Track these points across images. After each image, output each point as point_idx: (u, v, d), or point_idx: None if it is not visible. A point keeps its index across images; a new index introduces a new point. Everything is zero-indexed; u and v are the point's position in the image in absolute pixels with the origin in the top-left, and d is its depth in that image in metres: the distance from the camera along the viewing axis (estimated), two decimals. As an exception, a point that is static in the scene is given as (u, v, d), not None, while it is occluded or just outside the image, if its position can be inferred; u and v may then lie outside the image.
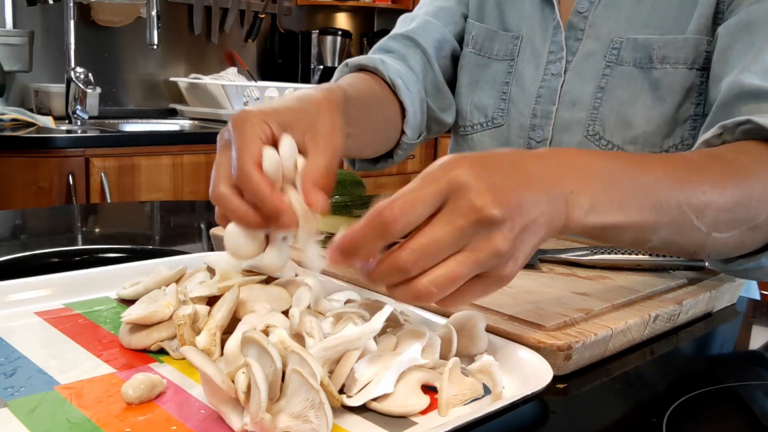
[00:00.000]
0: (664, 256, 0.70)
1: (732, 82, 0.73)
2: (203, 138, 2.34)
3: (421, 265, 0.45)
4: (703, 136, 0.68)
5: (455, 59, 1.02)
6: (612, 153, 0.56)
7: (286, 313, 0.54)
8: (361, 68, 0.91)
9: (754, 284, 0.93)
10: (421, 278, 0.45)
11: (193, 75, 2.91)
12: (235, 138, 0.53)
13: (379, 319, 0.49)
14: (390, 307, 0.51)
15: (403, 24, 1.02)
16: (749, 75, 0.72)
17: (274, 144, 0.54)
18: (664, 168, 0.57)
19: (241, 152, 0.52)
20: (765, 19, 0.75)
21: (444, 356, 0.51)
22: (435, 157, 3.02)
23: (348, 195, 0.86)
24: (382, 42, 0.99)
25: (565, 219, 0.50)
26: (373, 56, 0.92)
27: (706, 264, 0.70)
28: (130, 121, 2.67)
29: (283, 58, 3.25)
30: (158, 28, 2.31)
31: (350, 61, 0.92)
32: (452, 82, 1.03)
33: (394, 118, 0.90)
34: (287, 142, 0.54)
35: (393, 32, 1.00)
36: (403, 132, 0.91)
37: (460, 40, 1.02)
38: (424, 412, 0.46)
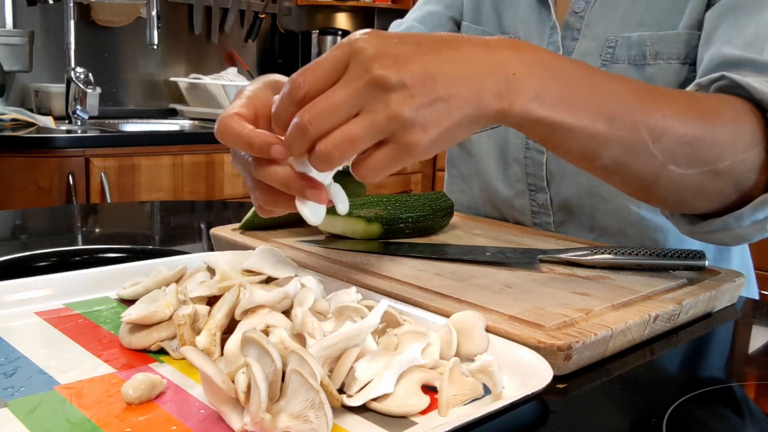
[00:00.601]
0: (664, 256, 0.70)
1: (713, 54, 0.73)
2: (203, 138, 2.35)
3: (318, 123, 0.46)
4: None
5: None
6: (576, 61, 0.54)
7: (285, 313, 0.54)
8: None
9: (754, 284, 0.93)
10: (321, 141, 0.46)
11: (193, 75, 2.91)
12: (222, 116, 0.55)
13: (375, 314, 0.49)
14: (386, 301, 0.51)
15: (391, 30, 1.04)
16: (730, 47, 0.72)
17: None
18: (626, 84, 0.55)
19: (225, 110, 0.55)
20: (749, 0, 0.75)
21: (444, 356, 0.51)
22: (434, 158, 3.02)
23: (348, 195, 0.86)
24: None
25: (503, 102, 0.49)
26: None
27: (706, 264, 0.70)
28: (130, 121, 2.67)
29: (283, 58, 3.25)
30: (158, 28, 2.31)
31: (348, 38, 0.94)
32: None
33: None
34: None
35: None
36: None
37: None
38: (424, 412, 0.46)
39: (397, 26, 1.05)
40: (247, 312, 0.53)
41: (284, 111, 0.49)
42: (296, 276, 0.60)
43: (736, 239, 0.64)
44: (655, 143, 0.55)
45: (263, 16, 3.12)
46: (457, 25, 1.04)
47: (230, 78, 2.93)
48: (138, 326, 0.54)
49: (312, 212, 0.54)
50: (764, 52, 0.70)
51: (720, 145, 0.58)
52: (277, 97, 0.51)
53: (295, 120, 0.47)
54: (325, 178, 0.53)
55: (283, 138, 0.50)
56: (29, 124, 2.27)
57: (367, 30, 0.48)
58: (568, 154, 0.55)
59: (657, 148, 0.55)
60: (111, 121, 2.60)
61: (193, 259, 0.71)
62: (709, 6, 0.81)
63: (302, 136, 0.47)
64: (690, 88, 0.67)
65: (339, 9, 3.45)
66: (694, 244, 0.79)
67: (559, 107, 0.51)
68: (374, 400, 0.46)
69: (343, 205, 0.55)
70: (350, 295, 0.55)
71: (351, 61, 0.47)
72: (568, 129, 0.52)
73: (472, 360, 0.49)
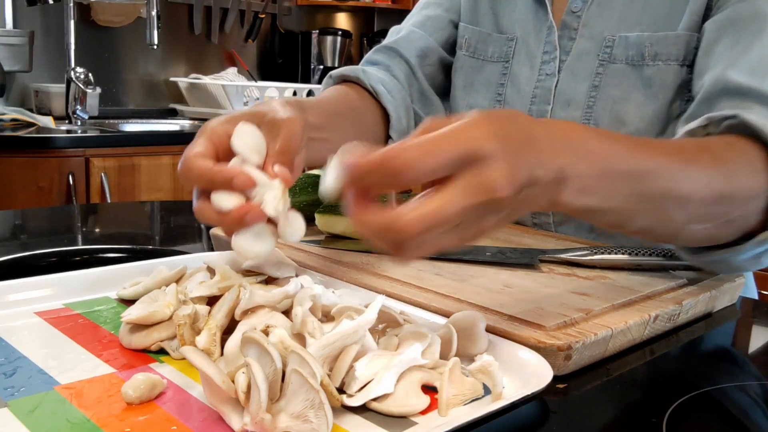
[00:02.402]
0: (664, 256, 0.70)
1: (716, 77, 0.74)
2: (203, 138, 2.34)
3: (421, 236, 0.43)
4: (688, 126, 0.69)
5: (444, 66, 1.04)
6: (613, 134, 0.56)
7: (285, 313, 0.54)
8: (344, 79, 0.95)
9: (753, 284, 0.93)
10: (412, 249, 0.44)
11: (193, 75, 2.91)
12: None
13: (372, 310, 0.49)
14: (382, 297, 0.51)
15: (391, 36, 1.05)
16: (734, 72, 0.72)
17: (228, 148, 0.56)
18: (659, 156, 0.57)
19: (186, 152, 0.55)
20: (752, 16, 0.75)
21: (444, 356, 0.51)
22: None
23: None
24: (368, 55, 1.03)
25: (553, 201, 0.50)
26: (355, 67, 0.95)
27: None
28: (130, 121, 2.67)
29: (283, 58, 3.25)
30: (158, 28, 2.31)
31: (333, 72, 0.96)
32: (441, 88, 1.05)
33: (377, 124, 0.92)
34: (243, 127, 0.56)
35: (379, 45, 1.03)
36: (389, 137, 0.93)
37: (449, 47, 1.04)
38: (424, 412, 0.46)
39: (396, 32, 1.05)
40: (247, 312, 0.53)
41: (373, 182, 0.45)
42: (296, 276, 0.60)
43: (733, 269, 0.68)
44: (680, 210, 0.58)
45: (263, 16, 3.12)
46: (456, 27, 1.04)
47: (230, 78, 2.93)
48: (138, 326, 0.54)
49: (252, 242, 0.54)
50: (766, 80, 0.71)
51: (737, 199, 0.61)
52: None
53: (399, 220, 0.43)
54: (275, 208, 0.53)
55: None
56: (29, 124, 2.27)
57: (480, 120, 0.45)
58: (598, 224, 0.59)
59: (681, 214, 0.58)
60: (111, 121, 2.60)
61: (193, 259, 0.71)
62: (708, 12, 0.81)
63: (397, 237, 0.44)
64: (700, 121, 0.68)
65: (339, 9, 3.45)
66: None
67: (597, 196, 0.52)
68: (374, 400, 0.46)
69: (292, 235, 0.55)
70: (357, 298, 0.55)
71: (468, 165, 0.44)
72: (604, 211, 0.54)
73: (472, 360, 0.49)
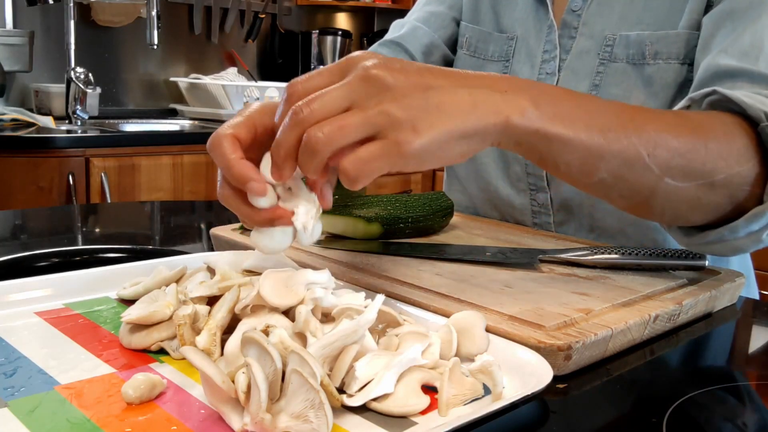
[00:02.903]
0: (664, 256, 0.70)
1: (708, 63, 0.74)
2: (203, 138, 2.33)
3: (310, 110, 0.47)
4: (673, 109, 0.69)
5: (447, 64, 1.04)
6: (560, 87, 0.57)
7: (285, 313, 0.54)
8: None
9: (754, 284, 0.93)
10: (312, 129, 0.47)
11: (193, 75, 2.91)
12: (212, 139, 0.55)
13: (372, 310, 0.49)
14: (382, 296, 0.51)
15: (394, 30, 1.04)
16: (725, 56, 0.72)
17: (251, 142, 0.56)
18: (614, 103, 0.57)
19: (223, 126, 0.55)
20: (747, 6, 0.75)
21: (444, 356, 0.51)
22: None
23: (348, 195, 0.86)
24: (373, 48, 1.04)
25: (499, 116, 0.50)
26: None
27: (707, 264, 0.70)
28: (130, 121, 2.67)
29: (284, 58, 3.25)
30: (158, 28, 2.31)
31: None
32: None
33: None
34: None
35: (383, 39, 1.03)
36: None
37: (452, 44, 1.04)
38: (424, 412, 0.46)
39: (399, 26, 1.05)
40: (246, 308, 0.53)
41: (282, 114, 0.50)
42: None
43: (732, 250, 0.65)
44: (650, 156, 0.56)
45: (263, 16, 3.12)
46: (458, 25, 1.04)
47: (230, 78, 2.93)
48: (138, 326, 0.54)
49: (270, 239, 0.54)
50: (759, 61, 0.70)
51: (713, 158, 0.59)
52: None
53: (291, 110, 0.48)
54: (303, 223, 0.53)
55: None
56: (29, 124, 2.27)
57: (365, 51, 0.50)
58: (567, 168, 0.55)
59: (652, 160, 0.56)
60: (111, 121, 2.60)
61: (193, 259, 0.71)
62: (707, 8, 0.81)
63: (293, 125, 0.48)
64: (683, 102, 0.67)
65: (339, 9, 3.45)
66: (694, 244, 0.79)
67: (554, 120, 0.52)
68: (374, 400, 0.46)
69: (308, 240, 0.55)
70: (358, 299, 0.55)
71: (348, 69, 0.49)
72: (566, 141, 0.53)
73: (472, 360, 0.49)
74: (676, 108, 0.68)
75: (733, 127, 0.61)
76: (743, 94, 0.63)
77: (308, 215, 0.53)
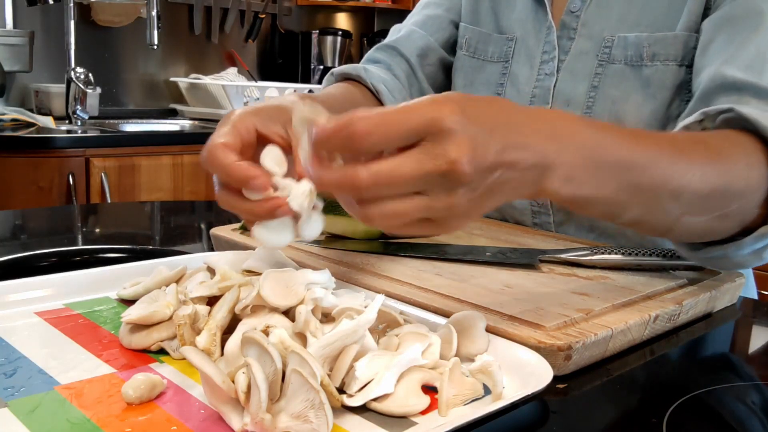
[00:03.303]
0: (664, 256, 0.70)
1: (713, 73, 0.74)
2: (203, 138, 2.30)
3: (375, 191, 0.44)
4: (684, 122, 0.69)
5: (444, 66, 1.04)
6: (607, 125, 0.55)
7: (285, 313, 0.54)
8: (345, 77, 0.95)
9: (753, 284, 0.93)
10: (372, 206, 0.45)
11: (194, 75, 2.91)
12: (209, 144, 0.55)
13: (372, 310, 0.49)
14: (381, 296, 0.51)
15: (392, 34, 1.06)
16: (731, 67, 0.72)
17: (256, 138, 0.57)
18: (651, 148, 0.57)
19: (212, 139, 0.55)
20: (748, 13, 0.75)
21: (444, 356, 0.51)
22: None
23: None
24: (370, 53, 1.03)
25: (537, 188, 0.50)
26: (356, 65, 0.96)
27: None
28: (130, 121, 2.67)
29: (284, 58, 3.25)
30: (158, 28, 2.31)
31: (335, 70, 0.97)
32: (441, 88, 1.06)
33: None
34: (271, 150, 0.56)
35: (380, 43, 1.04)
36: None
37: (449, 46, 1.04)
38: (424, 412, 0.46)
39: (397, 31, 1.05)
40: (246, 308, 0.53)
41: (332, 146, 0.45)
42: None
43: (734, 265, 0.66)
44: (674, 202, 0.57)
45: (263, 16, 3.12)
46: (457, 27, 1.04)
47: (230, 78, 2.93)
48: (138, 326, 0.54)
49: (273, 233, 0.54)
50: (763, 75, 0.71)
51: (732, 192, 0.60)
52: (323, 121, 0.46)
53: (353, 174, 0.44)
54: (300, 204, 0.53)
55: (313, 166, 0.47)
56: (29, 124, 2.27)
57: (448, 95, 0.45)
58: (590, 215, 0.58)
59: (675, 205, 0.57)
60: (111, 121, 2.60)
61: (193, 259, 0.71)
62: (706, 12, 0.81)
63: (351, 191, 0.45)
64: (696, 116, 0.67)
65: (339, 9, 3.45)
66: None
67: (585, 186, 0.52)
68: (374, 400, 0.46)
69: (310, 233, 0.55)
70: (358, 299, 0.55)
71: (429, 136, 0.44)
72: (594, 201, 0.53)
73: (473, 360, 0.49)
74: (689, 121, 0.68)
75: (752, 155, 0.62)
76: (759, 115, 0.63)
77: (302, 195, 0.53)
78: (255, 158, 0.55)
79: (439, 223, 0.47)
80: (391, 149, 0.45)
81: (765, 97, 0.69)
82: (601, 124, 0.55)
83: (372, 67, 0.96)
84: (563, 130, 0.51)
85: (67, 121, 2.44)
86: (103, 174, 2.09)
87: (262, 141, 0.57)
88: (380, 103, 0.93)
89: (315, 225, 0.55)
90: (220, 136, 0.55)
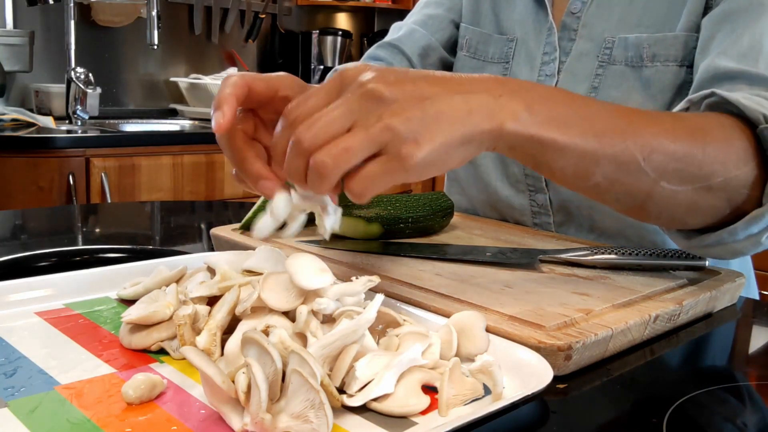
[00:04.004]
0: (664, 256, 0.70)
1: (707, 66, 0.74)
2: (203, 138, 2.35)
3: (312, 137, 0.47)
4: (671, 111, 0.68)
5: (445, 66, 1.04)
6: (558, 87, 0.57)
7: (285, 313, 0.54)
8: None
9: (754, 284, 0.93)
10: (316, 153, 0.47)
11: (194, 75, 2.91)
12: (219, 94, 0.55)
13: (371, 309, 0.49)
14: (381, 296, 0.51)
15: (392, 33, 1.05)
16: (725, 58, 0.72)
17: (254, 96, 0.57)
18: (610, 106, 0.57)
19: (217, 121, 0.55)
20: (746, 7, 0.75)
21: (444, 356, 0.51)
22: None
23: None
24: (371, 51, 1.04)
25: (493, 122, 0.50)
26: (357, 63, 0.95)
27: (707, 264, 0.70)
28: (130, 121, 2.67)
29: (284, 58, 3.25)
30: (158, 28, 2.31)
31: (338, 67, 0.95)
32: None
33: None
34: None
35: (381, 41, 1.04)
36: None
37: (450, 46, 1.04)
38: (424, 412, 0.46)
39: (397, 29, 1.05)
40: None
41: (280, 138, 0.49)
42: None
43: (731, 253, 0.65)
44: (646, 160, 0.56)
45: (263, 16, 3.12)
46: (457, 27, 1.04)
47: (230, 78, 2.92)
48: (138, 326, 0.54)
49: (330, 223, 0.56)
50: (759, 63, 0.70)
51: (711, 161, 0.58)
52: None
53: (292, 138, 0.48)
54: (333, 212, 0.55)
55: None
56: (29, 124, 2.27)
57: (357, 63, 0.50)
58: (562, 173, 0.55)
59: (648, 165, 0.56)
60: (111, 121, 2.60)
61: (194, 259, 0.71)
62: (706, 10, 0.81)
63: (298, 153, 0.48)
64: (682, 104, 0.67)
65: (339, 9, 3.45)
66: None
67: (549, 125, 0.52)
68: (374, 400, 0.46)
69: (329, 226, 0.55)
70: (358, 286, 0.54)
71: (344, 86, 0.48)
72: (561, 147, 0.52)
73: (473, 360, 0.49)
74: (674, 110, 0.67)
75: (731, 130, 0.61)
76: (742, 96, 0.63)
77: (335, 213, 0.55)
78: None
79: (392, 153, 0.47)
80: None
81: (759, 84, 0.68)
82: (554, 87, 0.56)
83: (372, 63, 0.96)
84: (510, 80, 0.53)
85: (67, 121, 2.44)
86: (103, 174, 2.09)
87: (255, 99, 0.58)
88: None
89: (331, 220, 0.56)
90: (225, 113, 0.54)
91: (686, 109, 0.67)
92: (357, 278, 0.54)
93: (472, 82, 0.51)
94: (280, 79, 0.57)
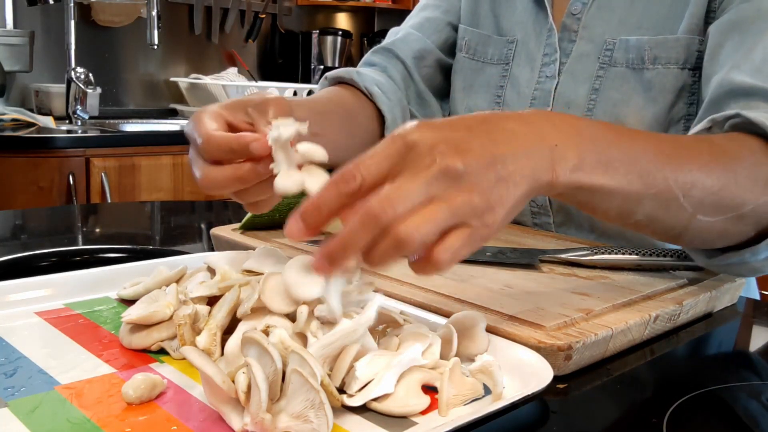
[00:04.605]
0: (664, 256, 0.70)
1: (722, 80, 0.73)
2: (203, 138, 2.34)
3: (391, 210, 0.44)
4: (693, 130, 0.68)
5: (442, 68, 1.04)
6: (598, 120, 0.56)
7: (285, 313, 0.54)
8: (338, 80, 0.95)
9: (754, 284, 0.93)
10: (399, 225, 0.44)
11: (194, 75, 2.91)
12: (193, 125, 0.57)
13: (371, 309, 0.49)
14: (381, 296, 0.51)
15: (389, 37, 1.06)
16: (739, 72, 0.72)
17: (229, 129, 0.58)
18: (650, 142, 0.57)
19: (198, 125, 0.56)
20: (755, 17, 0.75)
21: (444, 356, 0.51)
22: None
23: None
24: (366, 57, 1.04)
25: (551, 173, 0.50)
26: (350, 68, 0.96)
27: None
28: (130, 121, 2.67)
29: (284, 58, 3.25)
30: (158, 28, 2.31)
31: (329, 74, 0.97)
32: (439, 90, 1.05)
33: (372, 124, 0.93)
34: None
35: (376, 46, 1.04)
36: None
37: (447, 48, 1.04)
38: (424, 412, 0.46)
39: (394, 34, 1.05)
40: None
41: (332, 201, 0.46)
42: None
43: (751, 271, 0.66)
44: (685, 197, 0.57)
45: (263, 16, 3.12)
46: (455, 29, 1.04)
47: (230, 78, 2.93)
48: (138, 326, 0.54)
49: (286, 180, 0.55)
50: None
51: (742, 191, 0.59)
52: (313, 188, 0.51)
53: (363, 210, 0.44)
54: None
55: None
56: (30, 124, 2.27)
57: (414, 122, 0.47)
58: (606, 214, 0.57)
59: (687, 201, 0.57)
60: (111, 121, 2.60)
61: (194, 259, 0.71)
62: (709, 15, 0.80)
63: (372, 223, 0.44)
64: (704, 123, 0.67)
65: (339, 9, 3.45)
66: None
67: (597, 171, 0.52)
68: (374, 400, 0.46)
69: (284, 184, 0.54)
70: (353, 284, 0.54)
71: (409, 154, 0.46)
72: (608, 191, 0.53)
73: (473, 360, 0.49)
74: (697, 129, 0.68)
75: (760, 155, 0.62)
76: (766, 117, 0.63)
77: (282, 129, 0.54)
78: None
79: (474, 225, 0.46)
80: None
81: None
82: (591, 120, 0.56)
83: (366, 70, 0.96)
84: (556, 120, 0.52)
85: (67, 121, 2.44)
86: (103, 174, 2.09)
87: (230, 130, 0.58)
88: (374, 104, 0.92)
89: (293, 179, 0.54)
90: (208, 125, 0.56)
91: (709, 129, 0.67)
92: (355, 281, 0.53)
93: (528, 127, 0.50)
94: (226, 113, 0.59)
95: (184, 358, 0.51)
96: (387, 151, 0.46)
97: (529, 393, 0.46)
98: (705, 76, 0.79)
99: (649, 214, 0.57)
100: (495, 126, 0.49)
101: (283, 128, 0.53)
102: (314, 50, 3.24)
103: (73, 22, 2.45)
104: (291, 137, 0.54)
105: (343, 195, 0.45)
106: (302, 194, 0.83)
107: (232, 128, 0.58)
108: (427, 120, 0.48)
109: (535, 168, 0.49)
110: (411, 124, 0.47)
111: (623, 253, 0.71)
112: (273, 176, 0.53)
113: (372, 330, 0.52)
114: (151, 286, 0.61)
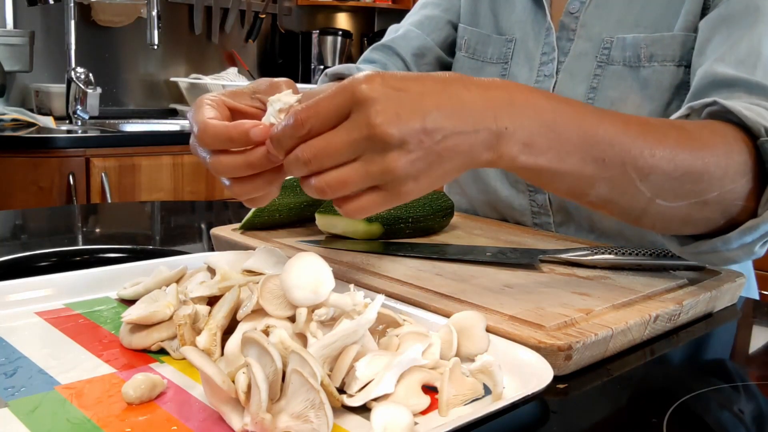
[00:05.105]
0: (665, 256, 0.70)
1: (705, 71, 0.74)
2: (203, 138, 2.34)
3: (315, 162, 0.48)
4: (672, 117, 0.68)
5: (442, 66, 1.05)
6: (568, 99, 0.56)
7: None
8: (338, 76, 0.96)
9: (754, 284, 0.93)
10: (317, 176, 0.49)
11: (194, 75, 2.91)
12: (192, 112, 0.57)
13: (372, 310, 0.49)
14: (381, 297, 0.51)
15: (389, 34, 1.06)
16: (723, 64, 0.72)
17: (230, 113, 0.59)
18: (616, 124, 0.56)
19: (196, 113, 0.56)
20: (743, 12, 0.75)
21: (444, 356, 0.51)
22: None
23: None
24: (366, 54, 1.04)
25: (492, 153, 0.50)
26: (350, 65, 0.97)
27: (706, 264, 0.70)
28: (130, 121, 2.67)
29: (284, 58, 3.25)
30: (159, 28, 2.31)
31: (329, 70, 0.98)
32: None
33: None
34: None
35: (376, 43, 1.04)
36: None
37: (447, 46, 1.04)
38: (424, 412, 0.46)
39: (394, 31, 1.06)
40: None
41: (285, 140, 0.50)
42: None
43: (724, 261, 0.65)
44: (642, 181, 0.56)
45: (263, 16, 3.12)
46: (455, 28, 1.04)
47: (231, 78, 2.93)
48: (138, 326, 0.54)
49: None
50: (756, 70, 0.70)
51: (708, 177, 0.59)
52: (276, 123, 0.52)
53: (296, 153, 0.49)
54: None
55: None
56: (30, 124, 2.27)
57: (370, 73, 0.48)
58: (555, 191, 0.58)
59: (644, 185, 0.57)
60: (111, 121, 2.60)
61: (194, 259, 0.71)
62: (704, 12, 0.81)
63: (300, 169, 0.49)
64: (682, 111, 0.67)
65: (339, 9, 3.45)
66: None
67: (546, 155, 0.52)
68: (375, 400, 0.46)
69: None
70: (354, 298, 0.54)
71: (354, 109, 0.47)
72: (555, 173, 0.53)
73: (473, 360, 0.49)
74: (675, 116, 0.67)
75: (733, 143, 0.61)
76: (743, 106, 0.63)
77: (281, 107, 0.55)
78: None
79: (390, 189, 0.49)
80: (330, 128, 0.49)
81: (757, 92, 0.69)
82: (562, 98, 0.55)
83: (366, 66, 0.96)
84: (518, 98, 0.52)
85: (67, 121, 2.44)
86: (103, 174, 2.10)
87: (234, 115, 0.59)
88: None
89: None
90: (204, 114, 0.56)
91: (687, 116, 0.67)
92: (355, 289, 0.53)
93: (484, 108, 0.50)
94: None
95: (184, 358, 0.51)
96: (335, 100, 0.48)
97: (529, 393, 0.46)
98: (693, 70, 0.79)
99: (603, 196, 0.57)
100: (450, 94, 0.49)
101: (284, 97, 0.54)
102: (314, 50, 3.24)
103: (73, 22, 2.45)
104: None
105: (294, 138, 0.49)
106: (302, 195, 0.84)
107: (235, 113, 0.59)
108: (384, 73, 0.49)
109: (474, 145, 0.49)
110: (365, 74, 0.48)
111: (623, 253, 0.71)
112: (279, 165, 0.54)
113: (372, 330, 0.52)
114: (151, 286, 0.61)
